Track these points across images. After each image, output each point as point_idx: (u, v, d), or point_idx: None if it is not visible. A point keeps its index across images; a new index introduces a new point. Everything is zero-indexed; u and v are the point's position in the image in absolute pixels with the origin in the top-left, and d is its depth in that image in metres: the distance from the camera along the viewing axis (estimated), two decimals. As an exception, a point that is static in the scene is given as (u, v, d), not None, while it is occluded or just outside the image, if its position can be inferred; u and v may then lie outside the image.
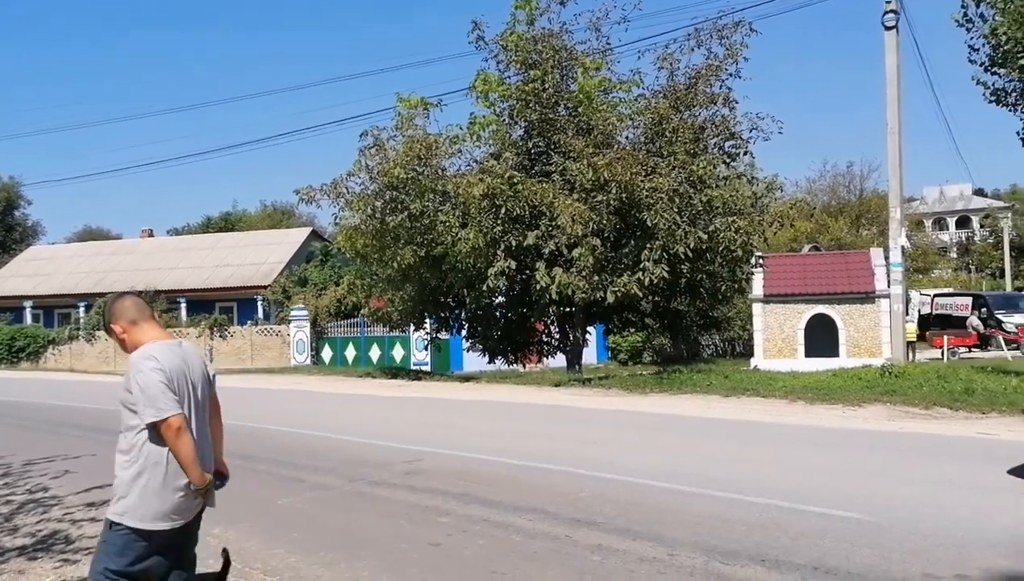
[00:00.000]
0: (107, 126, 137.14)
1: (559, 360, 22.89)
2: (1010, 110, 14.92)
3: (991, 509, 6.36)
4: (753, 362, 22.60)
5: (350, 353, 30.78)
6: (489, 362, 22.69)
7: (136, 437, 3.35)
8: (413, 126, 19.22)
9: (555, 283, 17.24)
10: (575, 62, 19.49)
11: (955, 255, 72.41)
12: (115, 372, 31.58)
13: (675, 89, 18.90)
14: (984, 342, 27.29)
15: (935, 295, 39.82)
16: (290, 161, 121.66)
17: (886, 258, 20.81)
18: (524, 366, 24.01)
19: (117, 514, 3.34)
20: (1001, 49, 14.18)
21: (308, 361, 30.56)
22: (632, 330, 25.46)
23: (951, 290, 45.26)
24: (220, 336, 33.21)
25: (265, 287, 36.25)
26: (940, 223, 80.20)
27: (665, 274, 17.25)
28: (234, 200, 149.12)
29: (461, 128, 19.78)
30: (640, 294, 17.53)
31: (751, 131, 18.95)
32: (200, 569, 3.79)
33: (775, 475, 7.90)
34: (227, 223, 63.62)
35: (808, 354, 22.12)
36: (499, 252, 17.82)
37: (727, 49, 18.67)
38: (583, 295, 17.36)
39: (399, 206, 18.68)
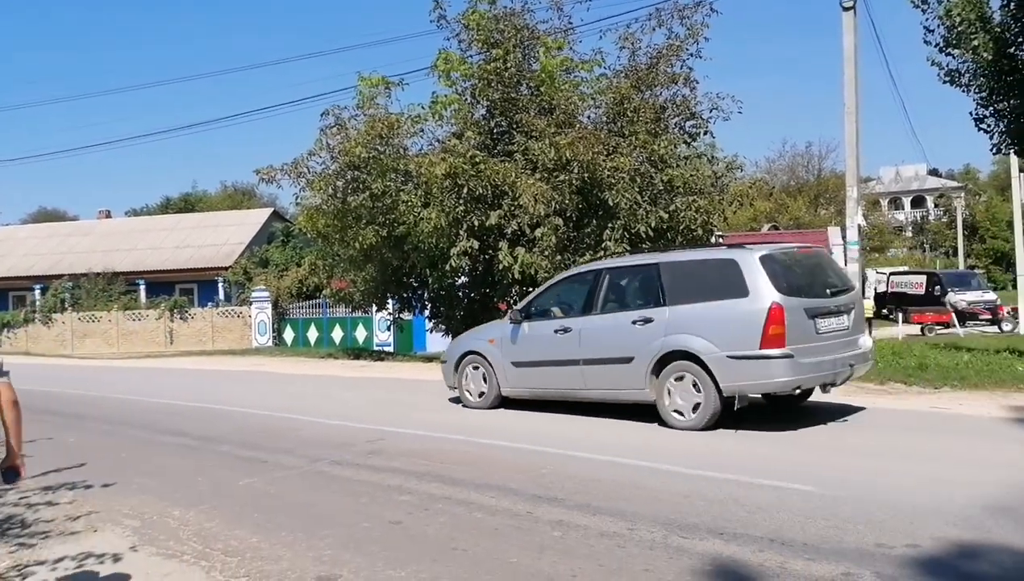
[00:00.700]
0: (62, 104, 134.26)
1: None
2: (963, 91, 15.14)
3: (942, 481, 6.53)
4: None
5: (312, 334, 30.57)
6: (452, 342, 22.59)
7: None
8: (375, 105, 19.01)
9: (518, 263, 17.26)
10: (537, 41, 19.40)
11: (910, 234, 73.83)
12: (73, 355, 31.06)
13: (636, 69, 18.90)
14: (961, 319, 28.11)
15: (891, 274, 40.68)
16: (251, 142, 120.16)
17: (843, 237, 21.12)
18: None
19: None
20: (955, 30, 14.37)
21: (270, 343, 30.28)
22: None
23: (906, 268, 46.33)
24: (180, 318, 32.79)
25: (226, 268, 35.82)
26: (896, 203, 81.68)
27: (626, 253, 17.34)
28: (194, 181, 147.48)
29: (423, 107, 19.59)
30: (602, 273, 17.56)
31: (711, 111, 19.06)
32: None
33: (731, 449, 8.02)
34: (187, 204, 62.74)
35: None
36: (461, 232, 17.77)
37: (688, 29, 18.70)
38: (546, 275, 17.38)
39: (360, 186, 18.50)
